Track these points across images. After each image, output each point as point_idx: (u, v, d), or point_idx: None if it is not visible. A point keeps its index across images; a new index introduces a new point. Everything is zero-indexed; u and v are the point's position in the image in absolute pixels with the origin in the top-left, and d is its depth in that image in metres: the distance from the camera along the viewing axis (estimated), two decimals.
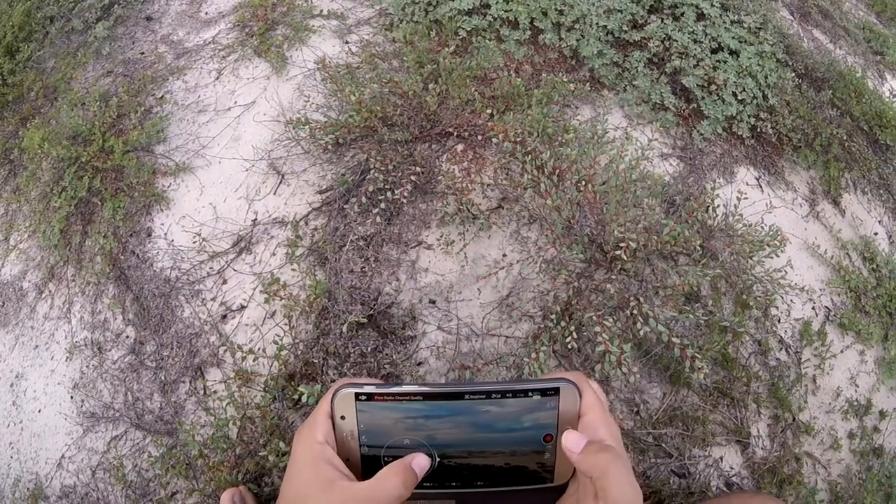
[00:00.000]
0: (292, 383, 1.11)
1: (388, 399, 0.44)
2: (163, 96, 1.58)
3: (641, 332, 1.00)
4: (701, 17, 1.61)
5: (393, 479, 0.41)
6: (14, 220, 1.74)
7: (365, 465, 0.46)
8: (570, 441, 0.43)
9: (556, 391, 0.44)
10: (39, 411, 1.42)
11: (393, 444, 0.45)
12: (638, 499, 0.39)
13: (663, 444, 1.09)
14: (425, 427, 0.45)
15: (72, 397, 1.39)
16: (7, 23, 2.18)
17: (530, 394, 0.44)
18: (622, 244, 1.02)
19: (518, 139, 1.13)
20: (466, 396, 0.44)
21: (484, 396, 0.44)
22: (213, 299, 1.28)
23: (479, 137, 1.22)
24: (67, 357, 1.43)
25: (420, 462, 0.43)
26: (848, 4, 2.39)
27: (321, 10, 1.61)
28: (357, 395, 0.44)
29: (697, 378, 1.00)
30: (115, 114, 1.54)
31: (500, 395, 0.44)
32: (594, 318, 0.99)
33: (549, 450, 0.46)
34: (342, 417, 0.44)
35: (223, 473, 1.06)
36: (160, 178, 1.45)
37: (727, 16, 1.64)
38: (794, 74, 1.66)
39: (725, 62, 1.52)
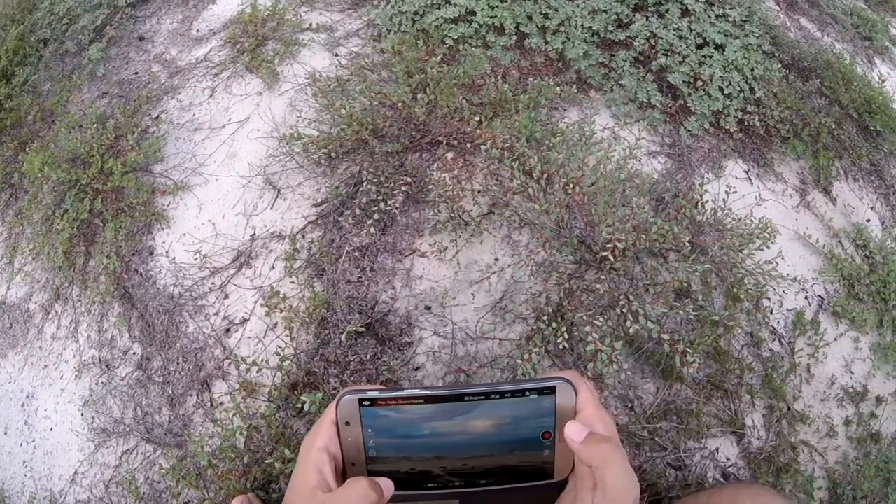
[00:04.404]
0: (295, 392, 1.14)
1: (390, 403, 0.46)
2: (158, 116, 1.61)
3: (632, 330, 1.02)
4: (686, 12, 1.62)
5: (358, 482, 0.44)
6: (18, 244, 1.78)
7: (371, 467, 0.48)
8: (573, 431, 0.45)
9: (553, 390, 0.46)
10: (51, 429, 1.46)
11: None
12: (634, 487, 0.41)
13: (658, 438, 1.11)
14: (428, 429, 0.47)
15: (82, 414, 1.43)
16: (1, 47, 2.22)
17: (528, 393, 0.46)
18: (609, 245, 1.04)
19: (506, 145, 1.15)
20: (466, 398, 0.46)
21: (483, 397, 0.46)
22: (216, 314, 1.31)
23: (469, 145, 1.24)
24: (76, 375, 1.46)
25: (387, 483, 0.46)
26: None
27: (310, 24, 1.63)
28: (361, 400, 0.46)
29: (689, 372, 1.03)
30: (112, 135, 1.58)
31: (498, 396, 0.46)
32: (584, 317, 1.01)
33: (548, 446, 0.48)
34: (347, 423, 0.47)
35: (232, 482, 1.10)
36: (159, 198, 1.48)
37: (712, 10, 1.65)
38: (780, 66, 1.67)
39: (711, 57, 1.53)
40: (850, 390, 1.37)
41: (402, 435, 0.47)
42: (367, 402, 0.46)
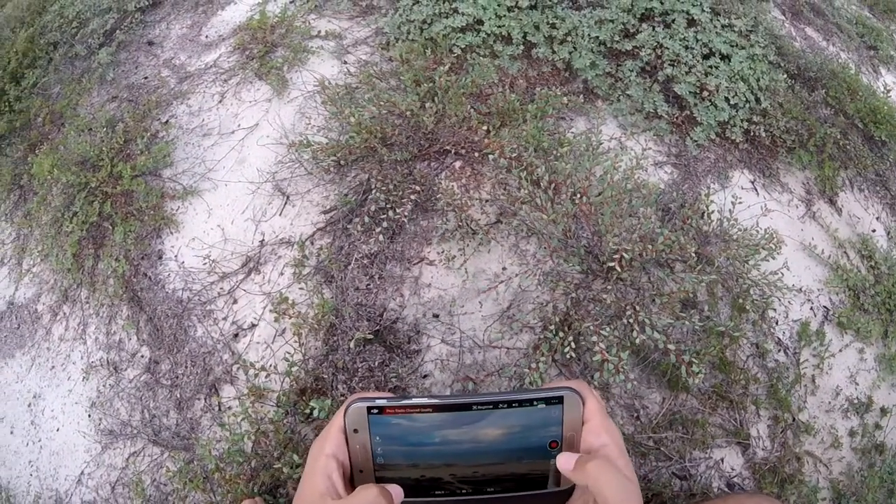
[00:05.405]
0: (303, 398, 1.15)
1: (399, 412, 0.47)
2: (167, 121, 1.63)
3: (638, 340, 1.03)
4: (692, 23, 1.63)
5: (369, 489, 0.44)
6: (26, 245, 1.79)
7: (379, 474, 0.49)
8: (563, 463, 0.46)
9: (560, 399, 0.47)
10: (58, 430, 1.47)
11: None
12: (623, 487, 0.42)
13: (663, 448, 1.12)
14: (438, 437, 0.47)
15: (89, 416, 1.43)
16: (11, 49, 2.23)
17: (535, 403, 0.47)
18: (616, 255, 1.05)
19: (513, 155, 1.16)
20: (474, 407, 0.47)
21: (491, 406, 0.46)
22: (225, 318, 1.32)
23: (476, 154, 1.25)
24: (84, 377, 1.47)
25: (397, 491, 0.46)
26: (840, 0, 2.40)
27: (319, 31, 1.65)
28: (369, 409, 0.47)
29: (695, 382, 1.03)
30: (121, 139, 1.59)
31: (506, 405, 0.47)
32: (591, 327, 1.02)
33: (556, 455, 0.48)
34: (355, 431, 0.47)
35: (240, 486, 1.11)
36: (169, 202, 1.49)
37: (718, 20, 1.66)
38: (786, 75, 1.68)
39: (717, 67, 1.54)
40: (855, 401, 1.37)
41: (411, 443, 0.48)
42: (375, 411, 0.47)
